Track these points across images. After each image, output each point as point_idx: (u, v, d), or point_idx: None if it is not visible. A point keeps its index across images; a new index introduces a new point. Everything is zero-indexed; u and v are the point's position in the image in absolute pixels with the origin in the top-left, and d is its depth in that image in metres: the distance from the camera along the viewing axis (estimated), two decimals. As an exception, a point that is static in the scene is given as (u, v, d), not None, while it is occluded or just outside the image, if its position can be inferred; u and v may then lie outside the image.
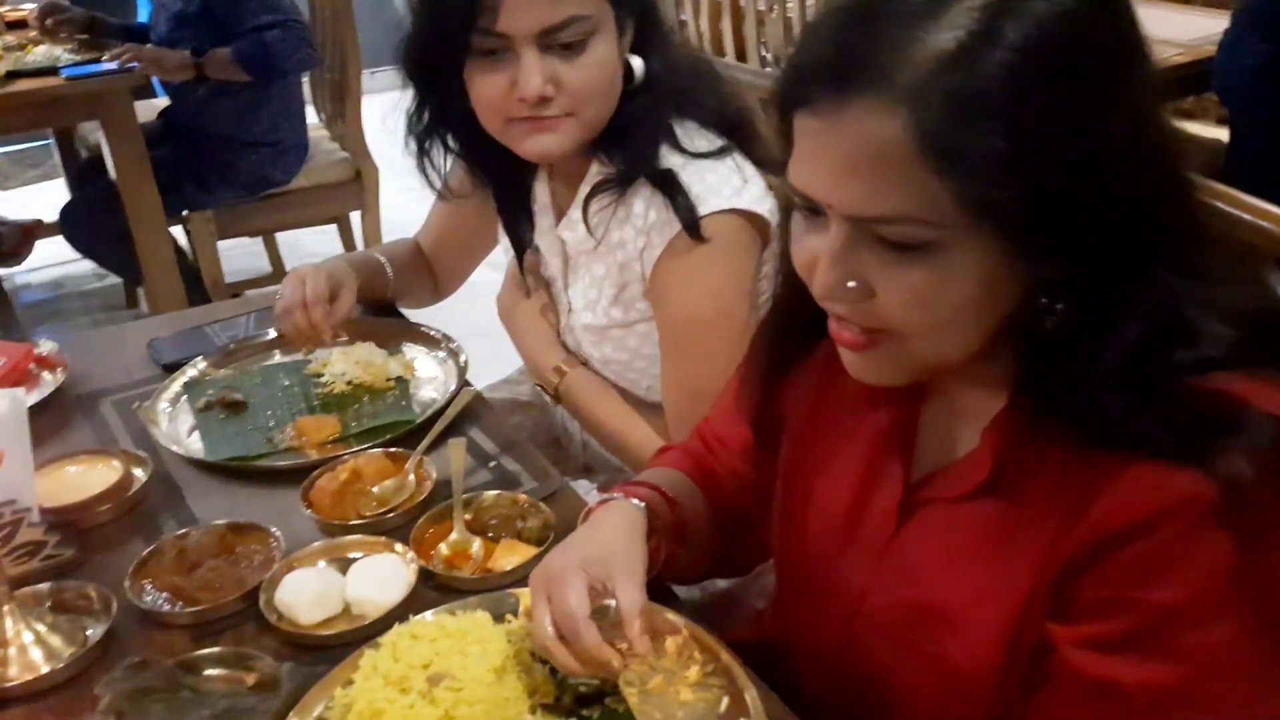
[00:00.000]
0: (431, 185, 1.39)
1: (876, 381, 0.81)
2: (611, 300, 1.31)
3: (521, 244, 1.43)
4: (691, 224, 1.20)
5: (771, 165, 1.25)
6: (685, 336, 1.26)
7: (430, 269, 1.62)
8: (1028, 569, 0.76)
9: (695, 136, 1.24)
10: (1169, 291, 0.70)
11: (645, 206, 1.24)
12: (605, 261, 1.30)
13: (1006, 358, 0.77)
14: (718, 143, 1.24)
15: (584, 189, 1.28)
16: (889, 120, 0.66)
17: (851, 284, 0.73)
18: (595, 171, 1.28)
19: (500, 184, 1.39)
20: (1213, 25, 2.50)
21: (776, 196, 1.24)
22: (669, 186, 1.21)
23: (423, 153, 1.34)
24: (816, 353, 0.94)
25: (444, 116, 1.30)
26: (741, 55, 3.21)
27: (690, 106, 1.25)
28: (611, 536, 0.91)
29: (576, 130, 1.20)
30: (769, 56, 3.17)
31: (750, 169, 1.24)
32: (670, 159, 1.22)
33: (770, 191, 1.24)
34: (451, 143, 1.33)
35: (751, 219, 1.22)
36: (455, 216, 1.54)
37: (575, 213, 1.30)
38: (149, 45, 2.94)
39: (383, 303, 1.57)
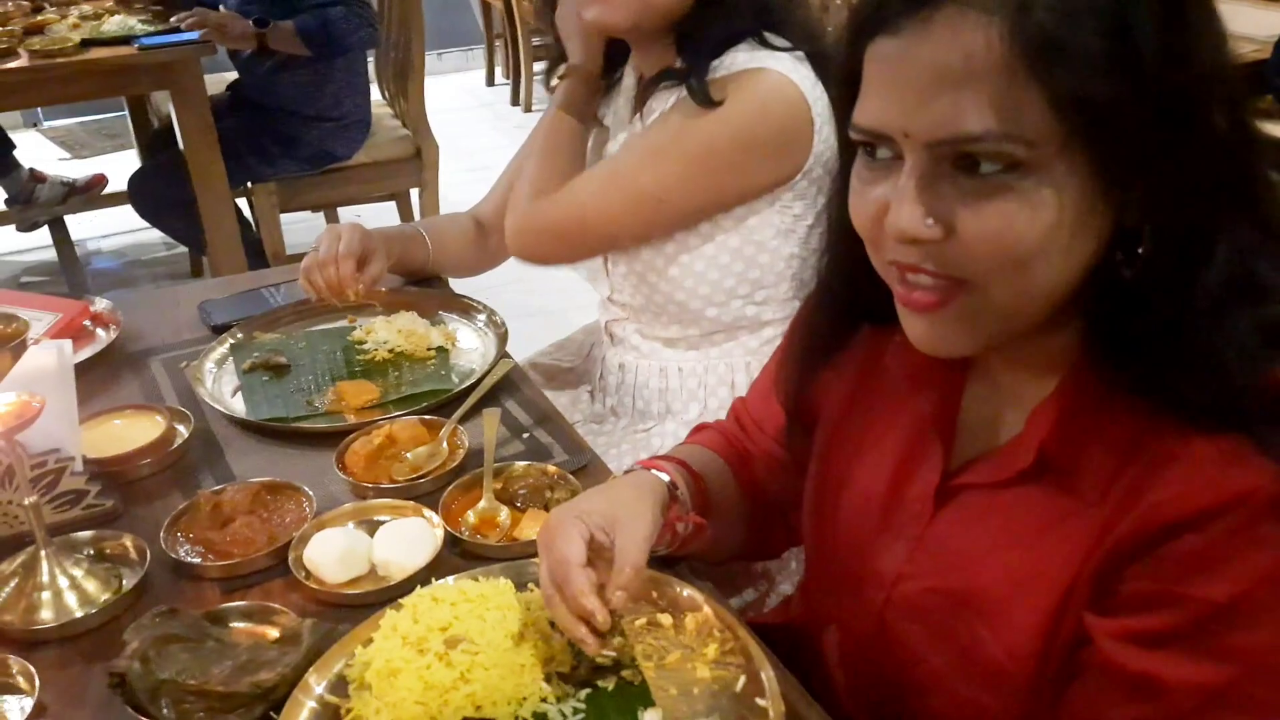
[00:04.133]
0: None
1: (946, 350, 0.76)
2: None
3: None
4: (699, 88, 1.23)
5: None
6: (670, 143, 1.27)
7: (481, 240, 1.61)
8: (1070, 558, 0.74)
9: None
10: (1248, 243, 0.68)
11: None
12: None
13: (1062, 337, 0.75)
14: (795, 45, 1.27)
15: (674, 95, 1.31)
16: (981, 28, 0.64)
17: (930, 221, 0.69)
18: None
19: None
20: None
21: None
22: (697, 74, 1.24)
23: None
24: (857, 339, 0.92)
25: None
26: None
27: (773, 23, 1.27)
28: (621, 495, 0.91)
29: (634, 4, 1.24)
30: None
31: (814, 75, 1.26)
32: (755, 54, 1.25)
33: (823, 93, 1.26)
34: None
35: (802, 100, 1.24)
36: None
37: (656, 107, 1.34)
38: (218, 10, 3.00)
39: (421, 274, 1.58)
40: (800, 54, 1.26)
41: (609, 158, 1.39)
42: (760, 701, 0.83)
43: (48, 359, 1.09)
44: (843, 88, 0.75)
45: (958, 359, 0.83)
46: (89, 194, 3.83)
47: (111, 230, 4.01)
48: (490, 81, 6.23)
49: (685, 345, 1.42)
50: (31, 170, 3.79)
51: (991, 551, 0.79)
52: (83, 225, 3.97)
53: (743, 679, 0.86)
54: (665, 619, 0.92)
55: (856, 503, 0.91)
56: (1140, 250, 0.69)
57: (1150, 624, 0.70)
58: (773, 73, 1.23)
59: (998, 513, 0.80)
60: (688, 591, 0.94)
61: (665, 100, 1.32)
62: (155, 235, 3.67)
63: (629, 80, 1.43)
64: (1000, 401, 0.82)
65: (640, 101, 1.37)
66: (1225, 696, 0.68)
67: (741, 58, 1.26)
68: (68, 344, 1.12)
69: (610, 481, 0.95)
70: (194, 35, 2.78)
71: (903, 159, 0.70)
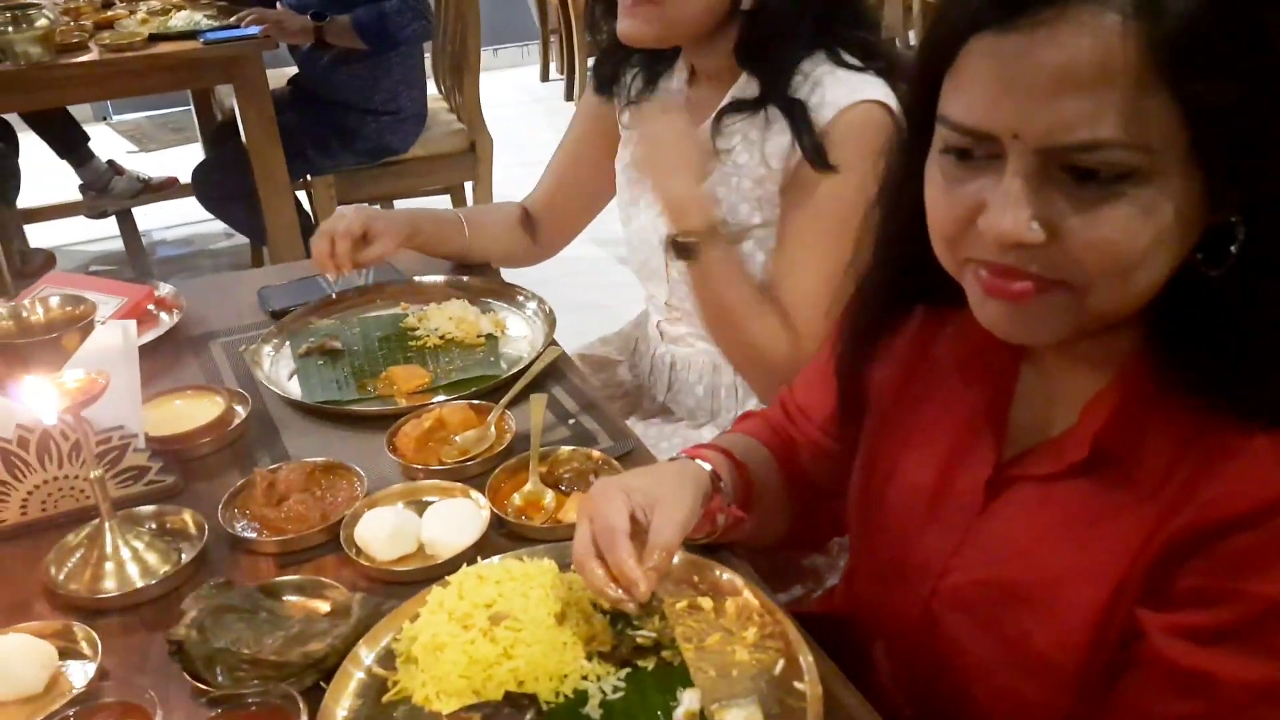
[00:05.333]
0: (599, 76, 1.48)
1: (1023, 338, 0.75)
2: (741, 202, 1.32)
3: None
4: (818, 157, 1.22)
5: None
6: (830, 216, 1.25)
7: (530, 230, 1.63)
8: (1123, 552, 0.73)
9: (850, 48, 1.27)
10: None
11: (808, 92, 1.25)
12: (739, 165, 1.31)
13: (1121, 333, 0.74)
14: (870, 56, 1.27)
15: (733, 93, 1.31)
16: (1109, 28, 0.62)
17: (1035, 226, 0.66)
18: (741, 84, 1.31)
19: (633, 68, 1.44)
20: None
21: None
22: (797, 119, 1.24)
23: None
24: (909, 325, 0.92)
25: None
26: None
27: (843, 20, 1.27)
28: (665, 478, 0.91)
29: (657, 20, 1.25)
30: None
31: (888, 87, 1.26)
32: (820, 68, 1.25)
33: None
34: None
35: (896, 121, 1.23)
36: (575, 165, 1.57)
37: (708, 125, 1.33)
38: (276, 8, 3.06)
39: (460, 258, 1.60)
40: (879, 68, 1.26)
41: (789, 264, 1.32)
42: (798, 685, 0.83)
43: (113, 339, 1.13)
44: (923, 78, 0.73)
45: (1011, 349, 0.83)
46: (160, 192, 3.94)
47: (176, 221, 4.11)
48: (545, 77, 6.27)
49: None
50: (111, 162, 3.91)
51: (1043, 544, 0.79)
52: (148, 215, 4.08)
53: (781, 663, 0.86)
54: (706, 602, 0.93)
55: (904, 492, 0.91)
56: (1232, 248, 0.67)
57: (1204, 620, 0.69)
58: (874, 108, 1.23)
59: (1050, 505, 0.79)
60: (728, 576, 0.95)
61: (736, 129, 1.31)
62: (217, 226, 3.76)
63: (680, 74, 1.42)
64: (1053, 394, 0.82)
65: (715, 133, 1.33)
66: (1277, 694, 0.67)
67: (828, 80, 1.25)
68: (132, 324, 1.16)
69: (656, 465, 0.96)
70: (255, 30, 2.84)
71: (1002, 158, 0.67)
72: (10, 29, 2.61)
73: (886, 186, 0.85)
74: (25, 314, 1.28)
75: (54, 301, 1.30)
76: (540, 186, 1.63)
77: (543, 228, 1.63)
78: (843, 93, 1.24)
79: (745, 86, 1.31)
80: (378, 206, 3.69)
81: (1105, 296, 0.69)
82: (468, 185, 3.42)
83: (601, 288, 2.98)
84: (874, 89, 1.24)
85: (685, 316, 1.44)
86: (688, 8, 1.25)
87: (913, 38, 3.02)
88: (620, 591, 0.83)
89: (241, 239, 3.77)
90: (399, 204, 3.71)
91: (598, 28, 1.44)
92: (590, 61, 1.86)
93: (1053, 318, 0.71)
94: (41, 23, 2.64)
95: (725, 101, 1.31)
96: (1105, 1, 0.62)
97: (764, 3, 1.24)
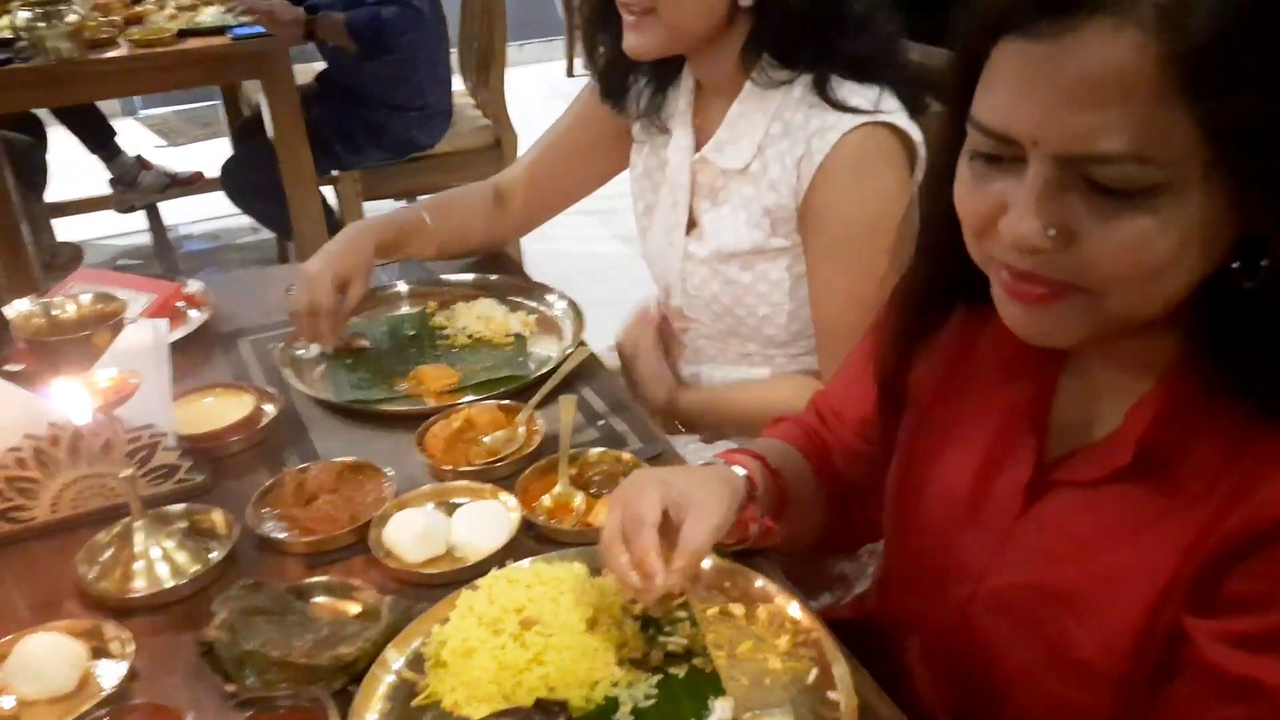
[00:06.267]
0: (594, 71, 1.45)
1: (1043, 340, 0.75)
2: (755, 224, 1.31)
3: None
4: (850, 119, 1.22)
5: (916, 105, 1.26)
6: (849, 244, 1.25)
7: (497, 210, 1.60)
8: (1168, 557, 0.72)
9: (851, 60, 1.25)
10: None
11: (805, 116, 1.25)
12: (756, 183, 1.30)
13: (1165, 336, 0.73)
14: (873, 68, 1.25)
15: (736, 108, 1.30)
16: (1129, 43, 0.61)
17: (1051, 232, 0.66)
18: (749, 90, 1.29)
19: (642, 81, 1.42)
20: None
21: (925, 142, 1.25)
22: (824, 90, 1.23)
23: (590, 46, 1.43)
24: (951, 323, 0.90)
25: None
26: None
27: (849, 29, 1.25)
28: (702, 480, 0.90)
29: (659, 29, 1.24)
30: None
31: (897, 100, 1.25)
32: (829, 77, 1.24)
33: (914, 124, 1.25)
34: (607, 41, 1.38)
35: (904, 140, 1.24)
36: (562, 150, 1.55)
37: (725, 133, 1.32)
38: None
39: (434, 254, 1.56)
40: (882, 81, 1.25)
41: (815, 292, 1.32)
42: (832, 695, 0.82)
43: (144, 337, 1.13)
44: (959, 74, 0.73)
45: (1054, 352, 0.81)
46: (188, 187, 3.97)
47: (202, 215, 4.14)
48: (570, 73, 6.27)
49: (760, 359, 1.41)
50: (138, 157, 3.94)
51: (1085, 548, 0.78)
52: (175, 210, 4.10)
53: (815, 671, 0.85)
54: (737, 609, 0.92)
55: (942, 494, 0.90)
56: (1265, 262, 0.66)
57: (1254, 626, 0.68)
58: (874, 130, 1.22)
59: (1092, 509, 0.78)
60: (760, 583, 0.94)
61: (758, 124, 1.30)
62: (244, 220, 3.77)
63: (682, 108, 1.39)
64: (1095, 396, 0.81)
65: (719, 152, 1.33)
66: None
67: (824, 106, 1.24)
68: (164, 323, 1.17)
69: (692, 466, 0.95)
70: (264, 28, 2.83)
71: (1024, 161, 0.67)
72: (41, 25, 2.63)
73: (927, 183, 0.85)
74: (56, 311, 1.28)
75: (85, 299, 1.30)
76: (524, 160, 1.60)
77: (516, 201, 1.60)
78: (844, 117, 1.23)
79: (749, 97, 1.29)
80: (394, 204, 3.70)
81: (1123, 302, 0.69)
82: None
83: (622, 282, 2.98)
84: (878, 104, 1.23)
85: (701, 326, 1.43)
86: (685, 11, 1.23)
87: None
88: (637, 578, 0.83)
89: (268, 234, 3.79)
90: (423, 200, 3.72)
91: (594, 48, 1.42)
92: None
93: (1071, 320, 0.71)
94: (71, 18, 2.66)
95: (741, 104, 1.30)
96: (1126, 16, 0.61)
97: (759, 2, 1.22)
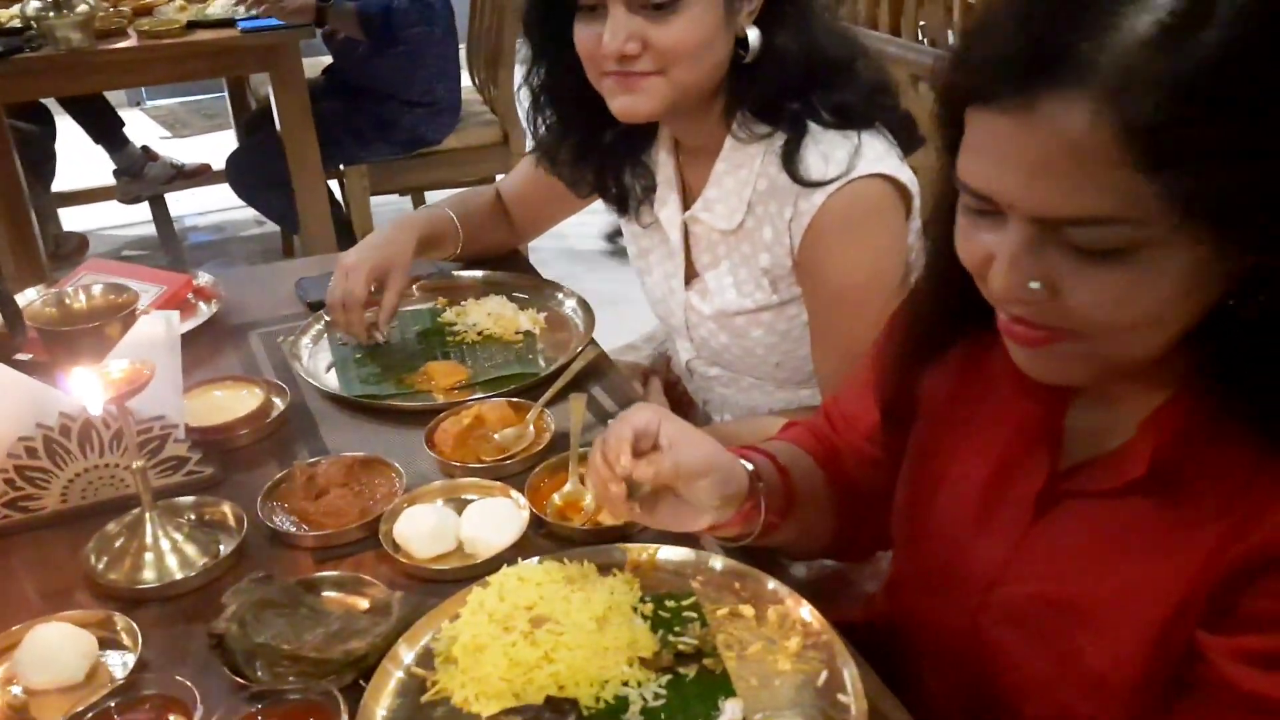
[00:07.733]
0: (536, 144, 1.41)
1: (1050, 379, 0.76)
2: (757, 284, 1.28)
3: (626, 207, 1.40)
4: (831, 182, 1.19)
5: (910, 144, 1.25)
6: (844, 303, 1.24)
7: (504, 216, 1.61)
8: (1184, 572, 0.72)
9: (835, 108, 1.21)
10: None
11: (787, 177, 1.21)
12: (752, 242, 1.27)
13: (1176, 353, 0.72)
14: (857, 114, 1.21)
15: (720, 165, 1.26)
16: (1087, 115, 0.62)
17: (1034, 285, 0.68)
18: (730, 146, 1.25)
19: (610, 158, 1.36)
20: None
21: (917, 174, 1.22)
22: (792, 154, 1.19)
23: (536, 111, 1.36)
24: (961, 338, 0.90)
25: (553, 81, 1.31)
26: (897, 33, 3.13)
27: (830, 80, 1.21)
28: (705, 438, 0.91)
29: (665, 90, 1.17)
30: (925, 42, 3.08)
31: (886, 141, 1.22)
32: (810, 127, 1.20)
33: (905, 164, 1.23)
34: (554, 113, 1.34)
35: (896, 185, 1.21)
36: (539, 183, 1.52)
37: (713, 191, 1.28)
38: None
39: (454, 257, 1.57)
40: (874, 125, 1.22)
41: (814, 347, 1.31)
42: (842, 698, 0.82)
43: (156, 329, 1.14)
44: (943, 132, 0.74)
45: None
46: (193, 179, 3.97)
47: (208, 207, 4.14)
48: (577, 70, 6.26)
49: (774, 385, 1.40)
50: (145, 148, 3.94)
51: (1098, 560, 0.78)
52: (181, 202, 4.10)
53: (825, 674, 0.85)
54: (747, 610, 0.92)
55: (953, 502, 0.90)
56: (1261, 298, 0.66)
57: (1267, 644, 0.68)
58: (863, 185, 1.18)
59: (1105, 520, 0.78)
60: (771, 584, 0.94)
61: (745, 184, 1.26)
62: (249, 213, 3.77)
63: (666, 172, 1.35)
64: (1110, 406, 0.80)
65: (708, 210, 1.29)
66: None
67: (839, 155, 1.19)
68: (175, 315, 1.17)
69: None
70: (272, 21, 2.83)
71: (1007, 216, 0.69)
72: (51, 15, 2.63)
73: (933, 215, 0.85)
74: (68, 301, 1.28)
75: (96, 290, 1.30)
76: (519, 173, 1.60)
77: (515, 211, 1.61)
78: (857, 150, 1.19)
79: (731, 153, 1.25)
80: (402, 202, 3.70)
81: (1118, 349, 0.70)
82: (499, 177, 3.40)
83: (630, 282, 2.98)
84: (885, 162, 1.20)
85: (714, 367, 1.42)
86: (698, 70, 1.17)
87: (951, 38, 2.99)
88: (614, 491, 0.87)
89: (273, 227, 3.78)
90: (430, 196, 3.72)
91: (540, 118, 1.36)
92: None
93: (1071, 363, 0.72)
94: (82, 9, 2.66)
95: (725, 162, 1.26)
96: (1082, 89, 0.62)
97: (766, 50, 1.18)
